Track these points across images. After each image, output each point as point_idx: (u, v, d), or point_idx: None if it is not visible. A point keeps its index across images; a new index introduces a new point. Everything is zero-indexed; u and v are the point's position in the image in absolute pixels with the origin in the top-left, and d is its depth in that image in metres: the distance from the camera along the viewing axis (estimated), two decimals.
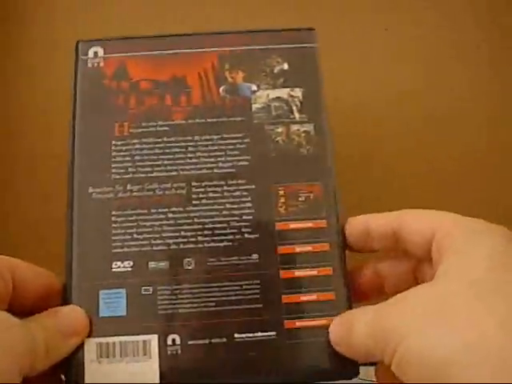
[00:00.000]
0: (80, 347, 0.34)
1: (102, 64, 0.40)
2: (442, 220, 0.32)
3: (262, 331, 0.35)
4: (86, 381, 0.34)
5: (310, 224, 0.37)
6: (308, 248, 0.37)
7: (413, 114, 0.56)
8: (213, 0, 0.57)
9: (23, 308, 0.34)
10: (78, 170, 0.38)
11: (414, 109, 0.56)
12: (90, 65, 0.40)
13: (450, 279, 0.29)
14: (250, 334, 0.35)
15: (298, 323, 0.35)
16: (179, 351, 0.35)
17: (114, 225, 0.37)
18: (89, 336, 0.35)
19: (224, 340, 0.35)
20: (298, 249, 0.36)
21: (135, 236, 0.37)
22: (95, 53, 0.41)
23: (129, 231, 0.37)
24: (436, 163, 0.55)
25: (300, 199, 0.37)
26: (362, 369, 0.36)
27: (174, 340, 0.35)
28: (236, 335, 0.35)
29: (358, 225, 0.37)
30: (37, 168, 0.54)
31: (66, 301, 0.36)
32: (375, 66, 0.57)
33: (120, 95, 0.40)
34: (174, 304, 0.35)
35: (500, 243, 0.29)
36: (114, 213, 0.37)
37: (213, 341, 0.35)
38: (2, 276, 0.33)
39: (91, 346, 0.34)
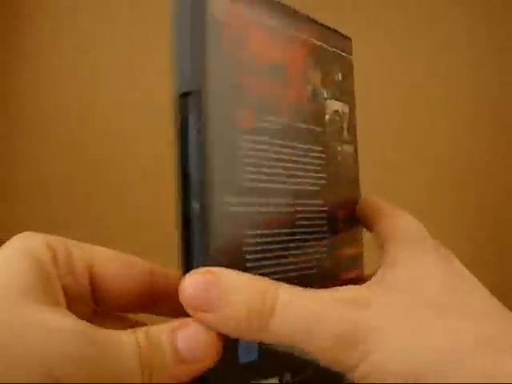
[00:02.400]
0: None
1: (226, 16, 0.29)
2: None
3: None
4: None
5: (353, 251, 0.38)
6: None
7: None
8: None
9: (112, 307, 0.29)
10: (209, 173, 0.28)
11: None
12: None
13: (405, 292, 0.29)
14: None
15: None
16: None
17: (245, 248, 0.29)
18: None
19: None
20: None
21: (265, 263, 0.30)
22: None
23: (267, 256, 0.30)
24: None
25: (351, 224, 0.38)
26: None
27: None
28: None
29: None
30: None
31: None
32: None
33: (244, 70, 0.30)
34: None
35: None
36: (248, 232, 0.29)
37: None
38: (72, 270, 0.27)
39: None
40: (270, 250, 0.31)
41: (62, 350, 0.23)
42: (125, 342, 0.25)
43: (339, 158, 0.38)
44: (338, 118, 0.38)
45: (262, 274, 0.28)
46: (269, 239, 0.31)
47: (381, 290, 0.28)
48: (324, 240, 0.35)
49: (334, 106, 0.38)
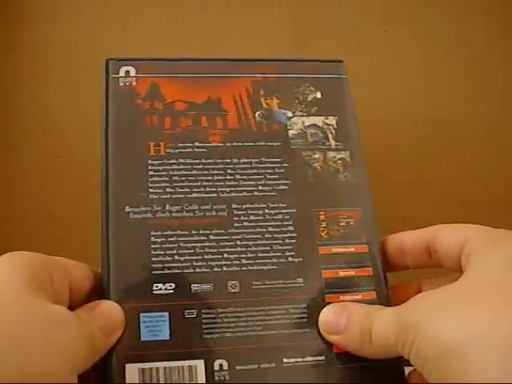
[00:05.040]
0: (121, 373, 0.32)
1: (134, 83, 0.39)
2: (471, 231, 0.34)
3: (310, 356, 0.34)
4: None
5: (352, 249, 0.37)
6: (351, 272, 0.36)
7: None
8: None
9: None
10: (113, 189, 0.36)
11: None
12: (121, 84, 0.39)
13: (467, 279, 0.31)
14: (299, 359, 0.34)
15: None
16: (227, 377, 0.33)
17: (153, 245, 0.35)
18: (130, 361, 0.32)
19: (273, 365, 0.34)
20: (342, 273, 0.36)
21: (176, 258, 0.35)
22: (127, 72, 0.40)
23: (169, 252, 0.35)
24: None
25: (341, 224, 0.37)
26: None
27: (221, 365, 0.33)
28: (285, 360, 0.34)
29: (393, 243, 0.37)
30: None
31: None
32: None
33: (154, 115, 0.39)
34: (220, 328, 0.34)
35: None
36: (152, 233, 0.36)
37: (261, 366, 0.33)
38: (58, 277, 0.31)
39: (133, 372, 0.32)
40: (191, 247, 0.35)
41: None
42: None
43: (316, 164, 0.39)
44: (313, 130, 0.40)
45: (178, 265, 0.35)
46: (186, 238, 0.36)
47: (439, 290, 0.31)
48: (287, 239, 0.36)
49: (308, 121, 0.40)
